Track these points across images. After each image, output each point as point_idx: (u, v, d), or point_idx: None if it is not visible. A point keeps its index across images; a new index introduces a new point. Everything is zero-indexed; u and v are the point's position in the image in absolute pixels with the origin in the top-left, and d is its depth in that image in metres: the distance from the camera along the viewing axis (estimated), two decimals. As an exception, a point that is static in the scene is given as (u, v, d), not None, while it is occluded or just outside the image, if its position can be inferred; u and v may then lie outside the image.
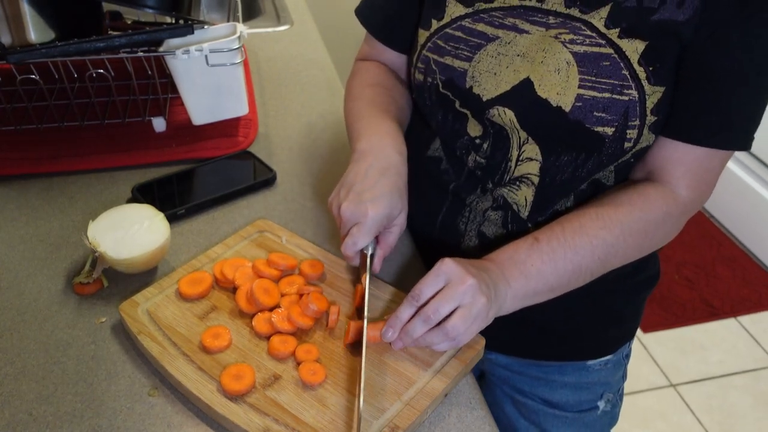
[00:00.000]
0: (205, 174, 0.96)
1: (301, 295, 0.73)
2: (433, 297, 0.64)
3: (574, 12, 0.68)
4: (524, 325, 0.80)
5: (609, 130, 0.69)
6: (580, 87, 0.68)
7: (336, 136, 1.08)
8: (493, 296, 0.65)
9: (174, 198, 0.90)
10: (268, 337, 0.69)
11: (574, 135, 0.71)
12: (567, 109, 0.69)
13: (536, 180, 0.75)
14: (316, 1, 1.84)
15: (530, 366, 0.88)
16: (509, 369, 0.89)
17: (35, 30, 0.95)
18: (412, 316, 0.65)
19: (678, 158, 0.71)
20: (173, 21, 1.11)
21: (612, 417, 0.93)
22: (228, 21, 1.11)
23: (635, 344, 2.03)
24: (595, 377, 0.88)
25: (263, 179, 0.95)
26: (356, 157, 0.76)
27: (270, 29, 1.45)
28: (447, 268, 0.65)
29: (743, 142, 0.70)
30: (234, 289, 0.74)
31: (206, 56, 0.95)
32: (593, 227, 0.70)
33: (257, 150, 1.02)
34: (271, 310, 0.71)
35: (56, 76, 1.07)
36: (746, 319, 2.14)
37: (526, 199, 0.76)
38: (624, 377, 0.94)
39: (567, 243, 0.69)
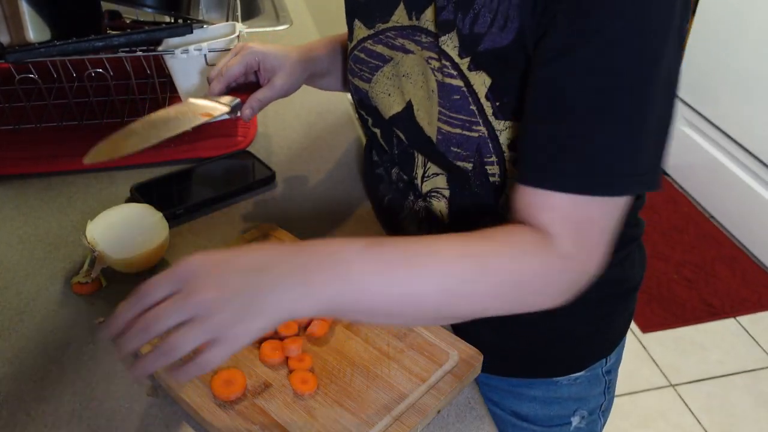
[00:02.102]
0: (204, 173, 0.96)
1: None
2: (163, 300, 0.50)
3: (435, 31, 0.65)
4: (483, 345, 0.70)
5: (468, 165, 0.65)
6: (439, 120, 0.66)
7: (336, 136, 1.08)
8: (257, 306, 0.50)
9: (173, 198, 0.90)
10: (259, 344, 0.68)
11: (445, 165, 0.68)
12: (434, 140, 0.68)
13: (447, 193, 0.73)
14: (315, 0, 1.84)
15: (497, 378, 0.83)
16: (476, 379, 0.86)
17: (34, 29, 0.95)
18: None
19: (543, 204, 0.58)
20: (172, 20, 1.11)
21: None
22: (227, 20, 1.11)
23: (635, 344, 2.04)
24: (565, 392, 0.82)
25: (262, 179, 0.94)
26: None
27: (269, 29, 1.45)
28: (187, 267, 0.51)
29: (619, 185, 0.56)
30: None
31: (205, 55, 0.95)
32: (453, 253, 0.55)
33: (256, 149, 1.02)
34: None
35: (55, 76, 1.07)
36: (746, 319, 2.14)
37: (442, 213, 0.74)
38: (606, 393, 0.85)
39: (413, 260, 0.54)
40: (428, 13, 0.66)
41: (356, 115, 0.85)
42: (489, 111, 0.62)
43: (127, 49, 0.96)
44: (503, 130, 0.63)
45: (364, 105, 0.78)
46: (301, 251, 0.53)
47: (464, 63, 0.62)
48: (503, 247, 0.57)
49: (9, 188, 0.92)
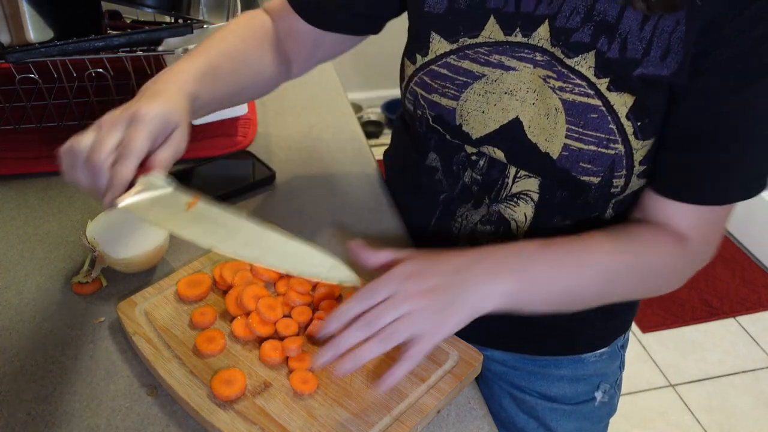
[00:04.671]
0: (204, 173, 0.96)
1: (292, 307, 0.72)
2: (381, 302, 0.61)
3: (557, 52, 0.66)
4: (519, 322, 0.79)
5: (595, 180, 0.68)
6: (566, 137, 0.67)
7: (335, 136, 1.08)
8: (453, 306, 0.61)
9: (173, 197, 0.90)
10: (260, 342, 0.68)
11: (561, 179, 0.70)
12: (554, 156, 0.68)
13: (536, 197, 0.73)
14: None
15: (526, 361, 0.88)
16: (505, 365, 0.89)
17: (34, 29, 0.95)
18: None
19: (681, 215, 0.68)
20: (172, 20, 1.11)
21: (610, 407, 0.93)
22: (227, 20, 1.11)
23: (635, 344, 2.04)
24: (591, 369, 0.88)
25: (262, 178, 0.95)
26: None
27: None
28: (398, 277, 0.62)
29: (750, 191, 0.67)
30: (232, 292, 0.74)
31: (205, 55, 0.95)
32: (608, 249, 0.67)
33: (256, 149, 1.02)
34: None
35: (55, 76, 1.07)
36: (745, 319, 2.14)
37: (525, 216, 0.75)
38: (621, 367, 0.94)
39: (576, 256, 0.67)
40: (541, 32, 0.66)
41: (412, 123, 0.80)
42: (630, 130, 0.65)
43: (128, 49, 0.96)
44: (640, 148, 0.66)
45: (442, 121, 0.74)
46: (486, 257, 0.65)
47: (602, 83, 0.64)
48: (649, 245, 0.68)
49: (9, 188, 0.92)
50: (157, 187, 0.61)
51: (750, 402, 1.89)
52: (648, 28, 0.62)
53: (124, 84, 1.11)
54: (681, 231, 0.69)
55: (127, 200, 0.59)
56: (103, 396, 0.65)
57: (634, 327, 2.09)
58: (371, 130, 3.01)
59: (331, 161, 1.02)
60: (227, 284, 0.74)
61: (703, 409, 1.87)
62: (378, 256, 0.67)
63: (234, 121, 1.07)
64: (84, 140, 0.59)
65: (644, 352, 2.03)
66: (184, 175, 0.95)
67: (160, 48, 0.97)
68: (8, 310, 0.74)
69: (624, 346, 0.93)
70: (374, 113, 3.09)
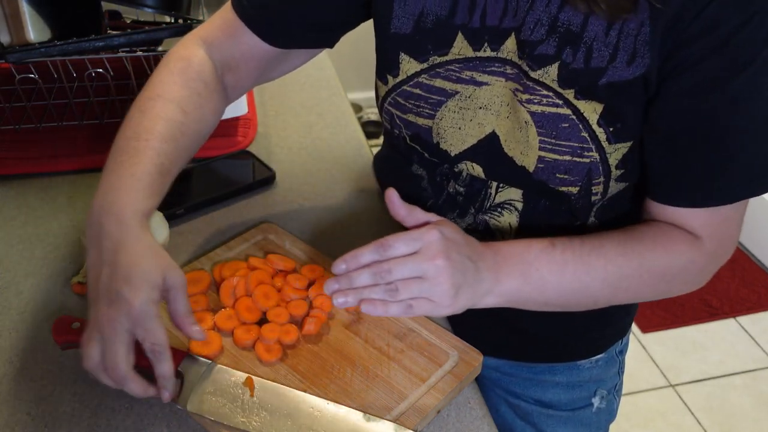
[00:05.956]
0: (204, 173, 0.96)
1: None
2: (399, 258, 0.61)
3: (523, 65, 0.65)
4: (510, 329, 0.79)
5: (573, 189, 0.68)
6: (540, 149, 0.66)
7: (335, 136, 1.08)
8: (465, 288, 0.62)
9: (173, 197, 0.89)
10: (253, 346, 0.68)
11: (540, 191, 0.70)
12: (531, 169, 0.67)
13: (520, 206, 0.73)
14: None
15: (520, 367, 0.87)
16: (499, 371, 0.88)
17: (34, 29, 0.95)
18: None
19: (688, 218, 0.68)
20: (172, 20, 1.11)
21: (609, 413, 0.92)
22: (227, 20, 1.10)
23: (635, 344, 2.04)
24: (586, 375, 0.87)
25: (262, 179, 0.95)
26: (89, 233, 0.63)
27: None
28: (430, 237, 0.62)
29: (756, 187, 0.65)
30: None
31: (205, 56, 0.95)
32: (613, 252, 0.66)
33: (256, 149, 1.02)
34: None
35: (55, 76, 1.07)
36: (745, 320, 2.14)
37: (510, 226, 0.74)
38: (620, 373, 0.92)
39: (582, 259, 0.66)
40: (509, 45, 0.65)
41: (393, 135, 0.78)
42: (603, 137, 0.64)
43: (128, 49, 0.96)
44: (612, 152, 0.66)
45: (420, 140, 0.74)
46: (497, 251, 0.66)
47: (569, 93, 0.64)
48: (657, 246, 0.67)
49: (9, 188, 0.92)
50: (199, 368, 0.63)
51: (750, 402, 1.89)
52: (613, 33, 0.61)
53: (124, 84, 1.11)
54: (697, 231, 0.68)
55: (195, 404, 0.61)
56: (103, 396, 0.65)
57: (634, 327, 2.09)
58: (371, 130, 3.01)
59: (331, 161, 1.02)
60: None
61: (703, 410, 1.87)
62: (414, 215, 0.66)
63: (234, 121, 1.07)
64: (93, 356, 0.58)
65: (644, 353, 2.03)
66: (184, 175, 0.95)
67: (160, 48, 0.97)
68: (8, 309, 0.74)
69: (623, 351, 0.91)
70: (374, 113, 3.09)
